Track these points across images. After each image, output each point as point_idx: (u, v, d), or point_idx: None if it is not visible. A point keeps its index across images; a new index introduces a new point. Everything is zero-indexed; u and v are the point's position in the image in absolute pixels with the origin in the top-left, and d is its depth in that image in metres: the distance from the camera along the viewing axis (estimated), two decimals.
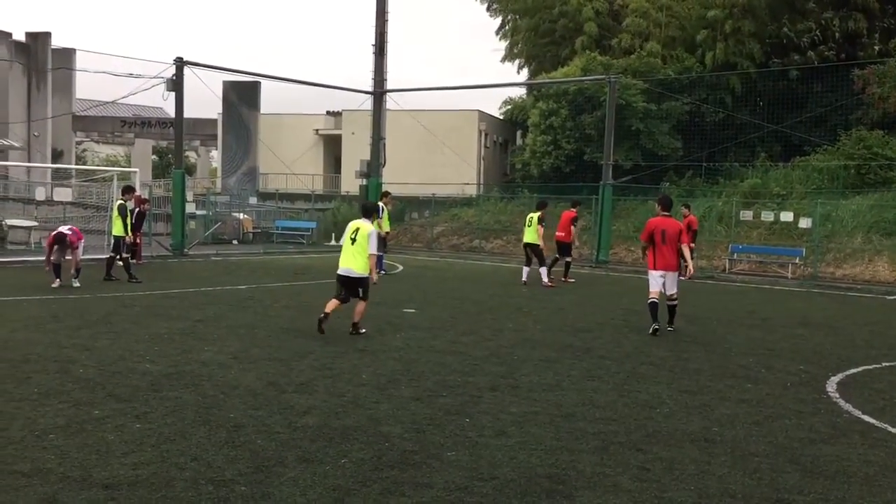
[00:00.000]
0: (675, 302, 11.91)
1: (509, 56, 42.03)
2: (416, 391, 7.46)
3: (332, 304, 10.63)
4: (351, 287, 10.66)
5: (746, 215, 25.76)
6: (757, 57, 31.09)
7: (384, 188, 25.78)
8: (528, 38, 39.97)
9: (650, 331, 11.43)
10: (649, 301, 11.74)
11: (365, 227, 10.65)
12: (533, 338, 10.84)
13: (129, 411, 6.43)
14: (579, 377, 8.37)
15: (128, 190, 18.04)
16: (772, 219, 25.25)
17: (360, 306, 10.67)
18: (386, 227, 19.99)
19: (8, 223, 23.69)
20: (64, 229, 15.22)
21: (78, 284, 14.94)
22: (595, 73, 30.31)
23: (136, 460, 5.25)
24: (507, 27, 41.56)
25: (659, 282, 11.66)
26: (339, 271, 10.73)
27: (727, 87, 31.44)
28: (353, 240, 10.56)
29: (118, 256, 16.66)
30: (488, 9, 41.64)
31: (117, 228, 16.86)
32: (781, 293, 19.13)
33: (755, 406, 7.40)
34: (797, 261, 23.67)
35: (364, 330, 10.65)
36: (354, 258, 10.53)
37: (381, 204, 19.94)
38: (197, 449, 5.53)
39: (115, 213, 17.07)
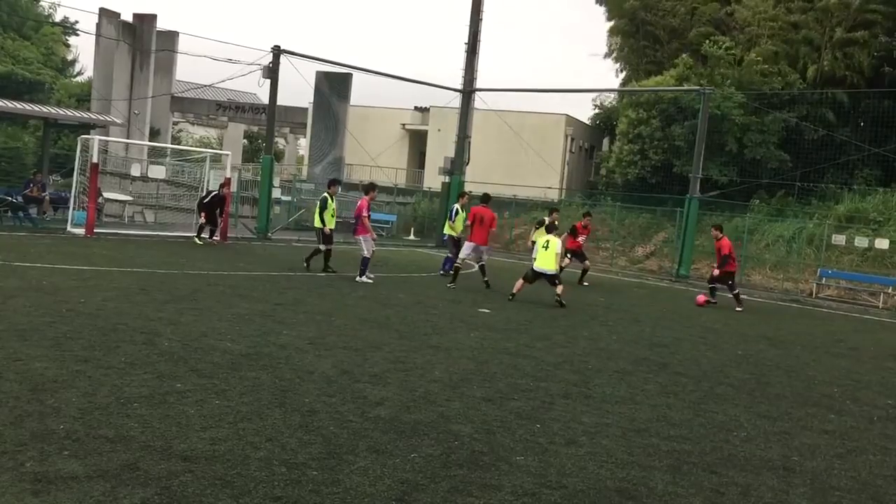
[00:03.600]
0: (484, 263, 17.10)
1: (609, 54, 40.82)
2: (488, 392, 7.44)
3: (518, 285, 14.92)
4: (547, 279, 14.74)
5: (839, 239, 24.80)
6: (867, 72, 29.91)
7: (466, 187, 25.75)
8: (629, 45, 38.76)
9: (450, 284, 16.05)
10: (456, 263, 16.70)
11: (554, 240, 14.72)
12: (608, 348, 10.69)
13: (209, 387, 6.61)
14: (654, 392, 8.20)
15: (333, 183, 17.43)
16: (866, 245, 24.25)
17: (559, 289, 14.70)
18: (459, 229, 18.50)
19: (104, 196, 24.69)
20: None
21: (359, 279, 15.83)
22: (691, 84, 29.67)
23: (213, 435, 5.39)
24: (613, 24, 39.82)
25: (472, 251, 16.74)
26: (535, 268, 14.77)
27: (830, 104, 30.30)
28: (546, 247, 14.65)
29: (325, 248, 16.82)
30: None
31: (317, 220, 17.00)
32: (871, 323, 18.35)
33: (838, 438, 7.11)
34: (890, 290, 22.68)
35: (565, 304, 14.57)
36: (547, 260, 14.63)
37: (456, 206, 19.34)
38: (272, 430, 5.65)
39: (318, 205, 17.06)
